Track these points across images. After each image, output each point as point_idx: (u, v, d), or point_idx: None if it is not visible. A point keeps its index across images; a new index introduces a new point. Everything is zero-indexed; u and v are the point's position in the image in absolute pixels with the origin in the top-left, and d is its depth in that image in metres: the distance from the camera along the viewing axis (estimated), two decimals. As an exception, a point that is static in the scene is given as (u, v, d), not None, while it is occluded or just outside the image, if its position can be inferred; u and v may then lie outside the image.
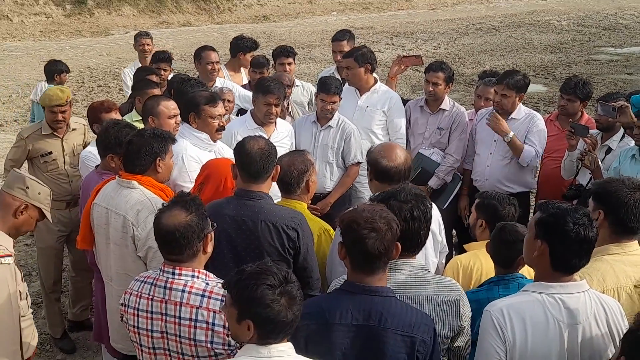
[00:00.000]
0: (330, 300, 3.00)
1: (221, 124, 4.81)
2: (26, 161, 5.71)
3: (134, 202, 3.86)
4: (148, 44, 8.27)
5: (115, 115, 5.39)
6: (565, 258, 2.82)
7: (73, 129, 5.75)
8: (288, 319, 2.56)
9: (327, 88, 5.70)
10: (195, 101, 4.74)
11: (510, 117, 5.80)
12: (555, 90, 13.68)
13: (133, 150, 3.93)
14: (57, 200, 5.56)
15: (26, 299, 3.73)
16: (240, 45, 7.44)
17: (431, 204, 3.33)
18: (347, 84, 6.45)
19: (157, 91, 5.87)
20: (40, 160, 5.60)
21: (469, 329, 3.28)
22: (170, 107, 4.97)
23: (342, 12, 25.49)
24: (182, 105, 4.82)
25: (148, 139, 3.95)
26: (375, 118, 6.07)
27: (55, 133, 5.63)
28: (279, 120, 5.66)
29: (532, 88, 15.12)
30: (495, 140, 5.84)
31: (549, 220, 2.85)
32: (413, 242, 3.16)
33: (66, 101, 5.55)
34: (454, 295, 3.20)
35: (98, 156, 4.62)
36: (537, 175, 6.24)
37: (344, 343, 2.88)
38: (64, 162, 5.63)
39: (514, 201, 4.04)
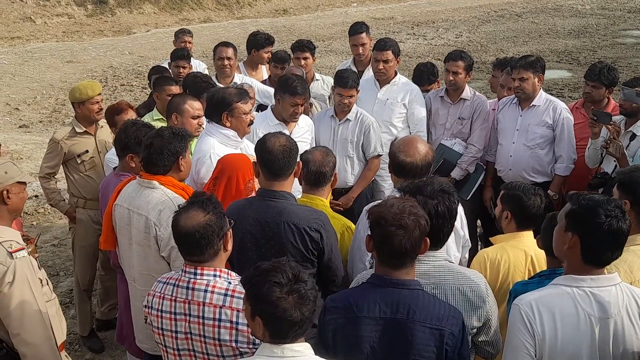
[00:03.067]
0: (357, 294, 2.99)
1: (251, 119, 4.82)
2: None
3: (155, 202, 3.87)
4: (190, 42, 8.30)
5: (127, 116, 5.40)
6: (598, 251, 2.77)
7: (101, 126, 5.82)
8: (295, 318, 2.51)
9: (344, 82, 5.64)
10: (228, 100, 4.70)
11: (532, 104, 5.74)
12: (579, 76, 13.50)
13: (155, 151, 3.92)
14: (97, 200, 5.59)
15: (47, 284, 3.80)
16: (253, 42, 7.38)
17: (457, 200, 3.29)
18: (364, 76, 6.42)
19: (175, 88, 5.90)
20: (77, 161, 5.65)
21: (496, 324, 3.26)
22: (195, 107, 5.00)
23: (362, 3, 25.37)
24: (212, 106, 4.77)
25: (169, 139, 3.94)
26: (395, 111, 6.04)
27: (88, 131, 5.69)
28: None
29: (557, 74, 14.99)
30: (517, 130, 5.79)
31: (580, 213, 2.79)
32: (436, 238, 3.13)
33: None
34: (478, 285, 3.19)
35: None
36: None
37: (372, 336, 2.87)
38: (101, 160, 5.68)
39: (539, 191, 3.96)
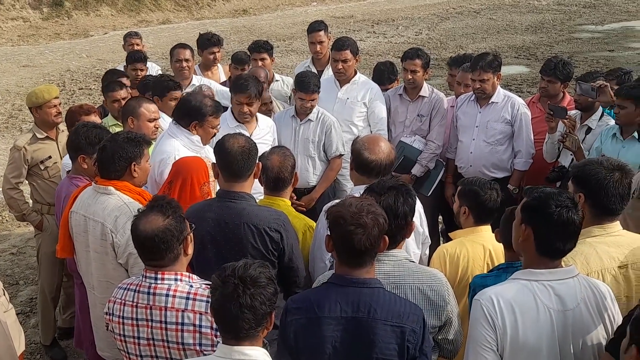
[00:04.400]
0: (318, 294, 2.99)
1: (216, 132, 4.84)
2: None
3: (111, 208, 3.81)
4: (137, 44, 8.16)
5: (95, 118, 5.36)
6: (549, 242, 2.81)
7: (62, 131, 5.72)
8: (228, 314, 2.55)
9: (305, 87, 5.63)
10: (203, 111, 4.71)
11: (491, 102, 5.80)
12: (537, 71, 13.66)
13: (107, 156, 3.88)
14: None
15: (3, 294, 3.74)
16: (197, 42, 7.30)
17: (414, 199, 3.31)
18: (324, 75, 6.43)
19: (122, 92, 5.86)
20: (41, 167, 5.54)
21: (457, 321, 3.29)
22: (151, 109, 4.97)
23: (322, 2, 25.38)
24: (185, 110, 4.74)
25: (121, 143, 3.88)
26: (355, 110, 6.06)
27: (49, 136, 5.60)
28: (260, 115, 5.61)
29: (515, 69, 15.17)
30: (477, 126, 5.85)
31: (532, 205, 2.84)
32: (396, 237, 3.16)
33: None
34: (439, 284, 3.22)
35: None
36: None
37: (334, 336, 2.88)
38: None
39: (495, 185, 4.04)
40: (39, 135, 5.57)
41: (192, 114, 4.69)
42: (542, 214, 2.79)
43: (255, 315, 2.55)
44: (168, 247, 3.03)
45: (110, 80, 6.27)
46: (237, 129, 5.26)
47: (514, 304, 2.78)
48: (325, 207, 3.20)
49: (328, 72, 6.64)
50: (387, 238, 2.97)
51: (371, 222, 2.84)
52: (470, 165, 5.88)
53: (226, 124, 5.39)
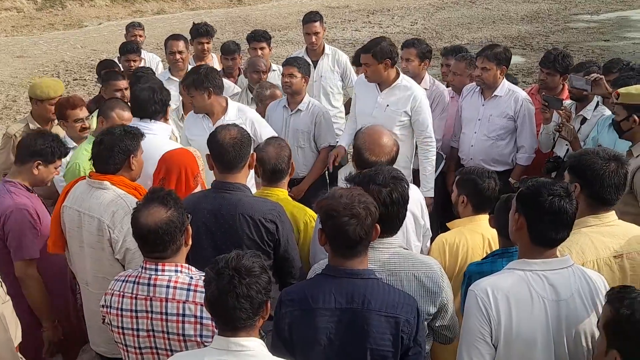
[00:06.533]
0: (312, 286, 3.01)
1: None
2: None
3: (107, 203, 3.79)
4: (140, 35, 8.14)
5: (81, 112, 5.27)
6: (541, 230, 2.83)
7: (57, 124, 5.66)
8: (225, 305, 2.55)
9: (286, 61, 5.73)
10: (167, 95, 4.75)
11: (494, 95, 5.75)
12: (533, 61, 13.66)
13: (105, 149, 3.86)
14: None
15: (1, 286, 3.70)
16: (190, 33, 7.28)
17: (409, 185, 3.31)
18: (318, 65, 6.44)
19: (123, 83, 5.80)
20: None
21: (452, 308, 3.29)
22: (123, 117, 4.75)
23: (318, -8, 25.29)
24: (160, 103, 4.66)
25: (120, 136, 3.88)
26: (395, 119, 5.49)
27: (42, 129, 5.53)
28: (234, 107, 5.30)
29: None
30: (479, 119, 5.81)
31: (525, 193, 2.87)
32: (392, 224, 3.16)
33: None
34: (433, 271, 3.21)
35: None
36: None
37: (328, 327, 2.89)
38: None
39: (493, 174, 4.04)
40: (32, 126, 5.54)
41: (164, 102, 4.68)
42: (535, 203, 2.81)
43: (252, 304, 2.56)
44: (172, 239, 3.03)
45: (109, 69, 6.22)
46: (204, 119, 5.18)
47: (509, 295, 2.79)
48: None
49: (322, 62, 6.66)
50: (378, 226, 2.97)
51: (364, 212, 2.86)
52: (471, 158, 5.84)
53: (196, 115, 5.28)
